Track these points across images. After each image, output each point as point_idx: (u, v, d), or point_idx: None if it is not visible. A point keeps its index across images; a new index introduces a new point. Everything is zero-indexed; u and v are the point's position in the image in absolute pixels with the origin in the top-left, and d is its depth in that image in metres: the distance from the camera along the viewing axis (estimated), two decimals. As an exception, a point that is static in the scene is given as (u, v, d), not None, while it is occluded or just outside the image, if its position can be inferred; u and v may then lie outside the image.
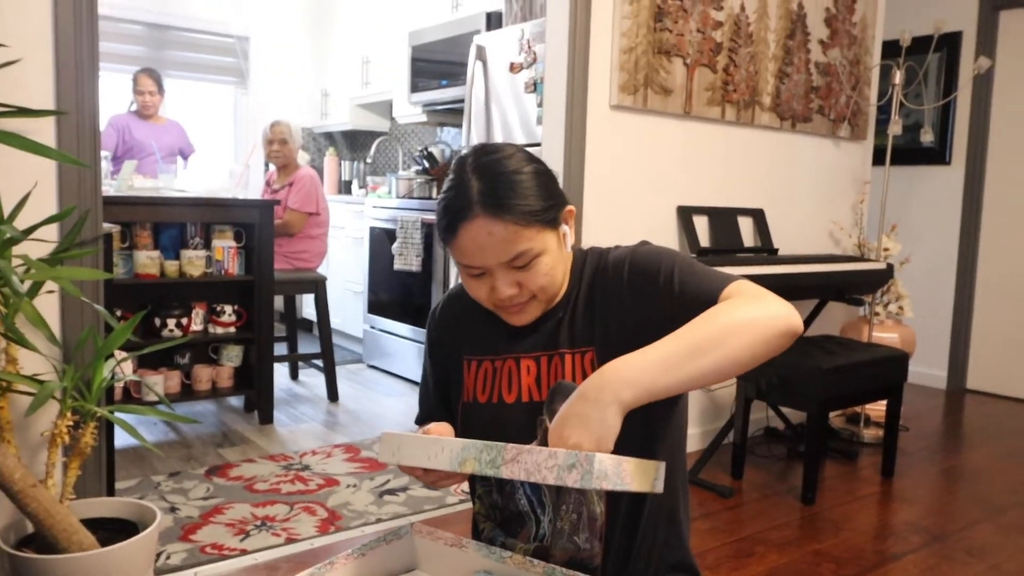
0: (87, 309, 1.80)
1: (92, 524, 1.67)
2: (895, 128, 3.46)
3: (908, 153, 4.47)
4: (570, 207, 1.15)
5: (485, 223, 1.04)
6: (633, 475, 0.85)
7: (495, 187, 1.05)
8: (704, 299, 1.03)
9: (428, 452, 0.94)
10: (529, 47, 3.36)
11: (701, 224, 3.09)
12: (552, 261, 1.10)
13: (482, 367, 1.20)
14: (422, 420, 1.29)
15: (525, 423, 1.12)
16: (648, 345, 0.96)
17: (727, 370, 0.95)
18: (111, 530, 1.71)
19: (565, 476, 0.83)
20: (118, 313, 2.99)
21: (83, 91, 1.79)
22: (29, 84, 1.71)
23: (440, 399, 1.28)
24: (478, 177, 1.06)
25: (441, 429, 1.10)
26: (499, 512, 1.18)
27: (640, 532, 1.14)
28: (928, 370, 4.50)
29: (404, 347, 4.22)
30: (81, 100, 1.79)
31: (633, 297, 1.10)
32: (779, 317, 0.97)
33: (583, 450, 0.88)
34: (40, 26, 1.74)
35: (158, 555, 2.10)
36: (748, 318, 0.96)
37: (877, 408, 3.46)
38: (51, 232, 1.73)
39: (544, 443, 1.08)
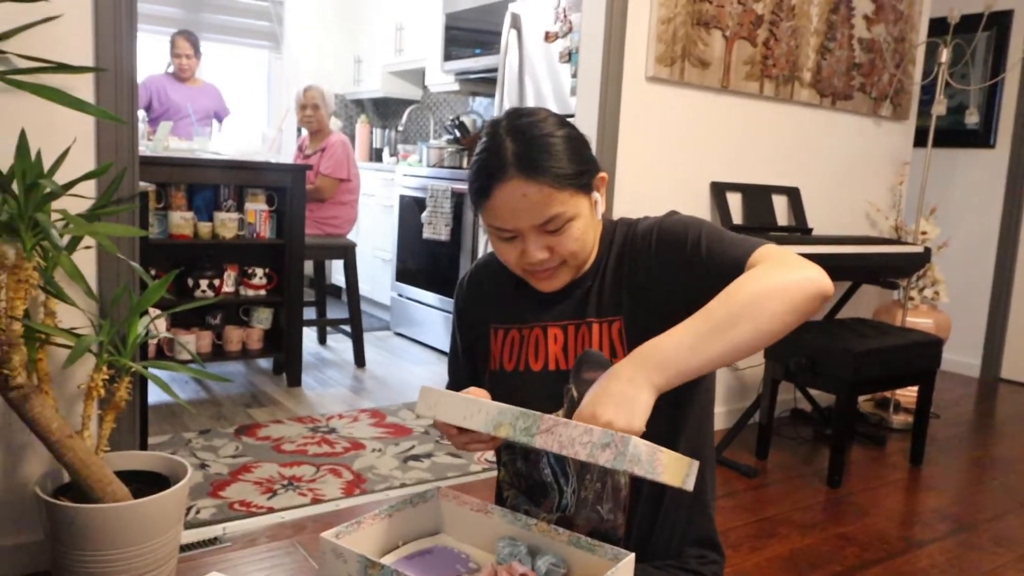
0: (123, 266, 1.82)
1: (126, 476, 1.71)
2: (939, 108, 3.37)
3: (951, 135, 4.35)
4: (602, 174, 1.14)
5: (519, 185, 1.04)
6: (666, 466, 0.85)
7: (530, 149, 1.05)
8: (731, 265, 1.02)
9: (465, 411, 0.94)
10: (565, 16, 3.31)
11: (735, 201, 3.05)
12: (584, 226, 1.09)
13: (509, 335, 1.20)
14: (449, 387, 1.30)
15: (552, 391, 1.13)
16: (679, 323, 0.95)
17: (759, 342, 0.95)
18: (144, 483, 1.75)
19: (598, 454, 0.83)
20: (152, 272, 3.03)
21: (121, 49, 1.80)
22: (68, 40, 1.72)
23: (469, 368, 1.28)
24: (512, 139, 1.05)
25: (479, 393, 1.09)
26: (523, 480, 1.19)
27: (664, 505, 1.13)
28: (962, 358, 4.42)
29: (431, 316, 4.23)
30: (119, 58, 1.80)
31: (661, 266, 1.10)
32: (808, 280, 0.96)
33: (615, 429, 0.87)
34: (81, -18, 1.74)
35: (188, 509, 2.15)
36: (776, 285, 0.95)
37: (908, 394, 3.41)
38: (89, 188, 1.75)
39: (570, 413, 1.08)
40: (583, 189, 1.09)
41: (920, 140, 3.68)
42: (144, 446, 2.06)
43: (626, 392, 0.91)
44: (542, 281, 1.13)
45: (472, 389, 1.08)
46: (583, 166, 1.09)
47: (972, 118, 3.59)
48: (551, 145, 1.05)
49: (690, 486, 0.90)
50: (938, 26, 3.58)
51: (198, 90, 4.63)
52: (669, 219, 1.13)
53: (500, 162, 1.05)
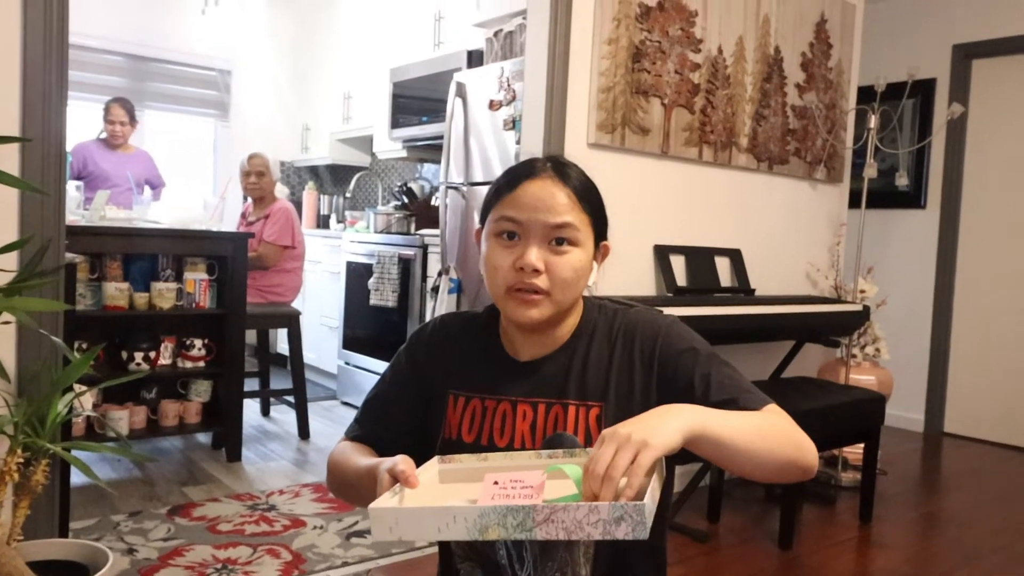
0: (46, 341, 1.74)
1: (42, 567, 1.60)
2: (870, 172, 3.49)
3: (884, 196, 4.52)
4: (608, 243, 1.16)
5: (550, 182, 1.08)
6: (657, 489, 0.86)
7: (566, 166, 1.12)
8: (740, 407, 1.04)
9: (438, 523, 0.81)
10: (508, 85, 3.37)
11: (678, 263, 3.08)
12: (583, 264, 1.09)
13: (470, 405, 1.14)
14: (356, 437, 1.19)
15: None
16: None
17: (765, 467, 0.98)
18: (62, 573, 1.64)
19: (614, 530, 0.77)
20: (84, 346, 2.91)
21: (49, 119, 1.76)
22: (-7, 110, 1.67)
23: (393, 422, 1.18)
24: (549, 160, 1.12)
25: (410, 464, 0.96)
26: (478, 555, 1.13)
27: None
28: (906, 413, 4.49)
29: (379, 384, 4.15)
30: (47, 128, 1.76)
31: (660, 378, 1.09)
32: (814, 455, 1.01)
33: (633, 439, 0.85)
34: (8, 52, 1.71)
35: (112, 599, 2.01)
36: (803, 442, 1.00)
37: (855, 451, 3.43)
38: (11, 262, 1.68)
39: None
40: (595, 231, 1.12)
41: (855, 202, 3.80)
42: (64, 532, 1.94)
43: (659, 417, 0.91)
44: (522, 306, 1.07)
45: (400, 459, 0.96)
46: (602, 210, 1.14)
47: (902, 180, 3.73)
48: (584, 174, 1.13)
49: (663, 475, 0.93)
50: (866, 94, 3.74)
51: (129, 157, 4.51)
52: (674, 329, 1.12)
53: (535, 165, 1.10)
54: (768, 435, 0.97)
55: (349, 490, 1.10)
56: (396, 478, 0.93)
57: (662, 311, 1.17)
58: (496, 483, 0.88)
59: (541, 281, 1.06)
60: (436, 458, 1.04)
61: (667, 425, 0.89)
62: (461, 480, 1.01)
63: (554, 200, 1.06)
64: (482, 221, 1.13)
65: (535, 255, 1.06)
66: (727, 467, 0.97)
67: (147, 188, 4.49)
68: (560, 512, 0.79)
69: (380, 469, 0.96)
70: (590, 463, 0.85)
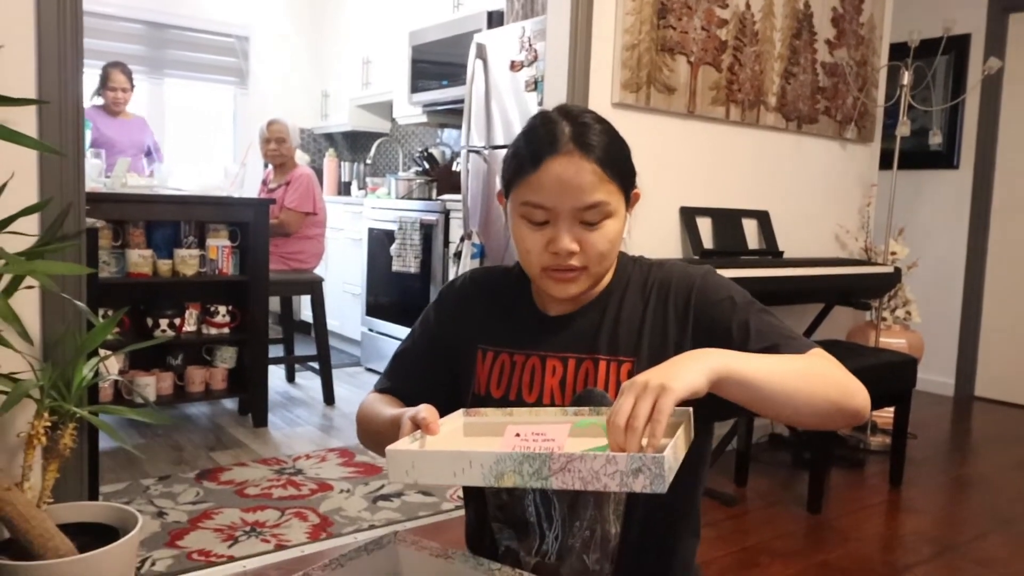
0: (69, 306, 1.74)
1: (72, 529, 1.61)
2: (903, 130, 3.39)
3: (916, 156, 4.40)
4: (638, 190, 1.10)
5: (575, 160, 1.00)
6: (683, 444, 0.83)
7: (587, 131, 1.02)
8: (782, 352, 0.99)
9: (453, 467, 0.81)
10: (530, 45, 3.30)
11: (704, 225, 3.02)
12: (618, 230, 1.04)
13: (498, 360, 1.11)
14: (384, 389, 1.18)
15: None
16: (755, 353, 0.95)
17: (805, 411, 0.93)
18: (92, 535, 1.65)
19: (632, 482, 0.74)
20: (108, 313, 2.93)
21: (66, 82, 1.74)
22: (9, 73, 1.65)
23: (421, 377, 1.16)
24: (568, 122, 1.03)
25: (432, 412, 0.95)
26: (507, 514, 1.11)
27: (654, 556, 1.07)
28: (936, 377, 4.42)
29: (402, 350, 4.15)
30: (64, 91, 1.73)
31: (695, 328, 1.05)
32: (864, 398, 0.96)
33: (651, 385, 0.82)
34: (23, 15, 1.68)
35: (143, 561, 2.04)
36: (849, 384, 0.95)
37: (884, 415, 3.38)
38: (33, 226, 1.67)
39: None
40: (624, 191, 1.06)
41: (886, 162, 3.70)
42: (95, 495, 1.96)
43: (680, 362, 0.87)
44: (558, 284, 1.04)
45: (423, 407, 0.95)
46: (629, 168, 1.07)
47: (935, 139, 3.62)
48: (606, 133, 1.04)
49: (691, 436, 0.89)
50: (899, 50, 3.62)
51: (130, 124, 4.44)
52: (710, 279, 1.08)
53: (556, 135, 1.01)
54: (809, 377, 0.93)
55: (376, 439, 1.08)
56: (418, 425, 0.93)
57: (709, 267, 1.12)
58: (518, 435, 0.87)
59: (577, 260, 1.02)
60: (461, 411, 1.03)
61: (689, 368, 0.85)
62: (485, 434, 1.00)
63: (580, 180, 0.99)
64: (504, 186, 1.08)
65: (568, 239, 1.01)
66: (763, 411, 0.92)
67: (151, 154, 4.45)
68: (577, 461, 0.76)
69: (404, 416, 0.95)
70: (611, 415, 0.82)
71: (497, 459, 0.79)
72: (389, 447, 0.86)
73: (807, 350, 1.00)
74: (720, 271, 1.12)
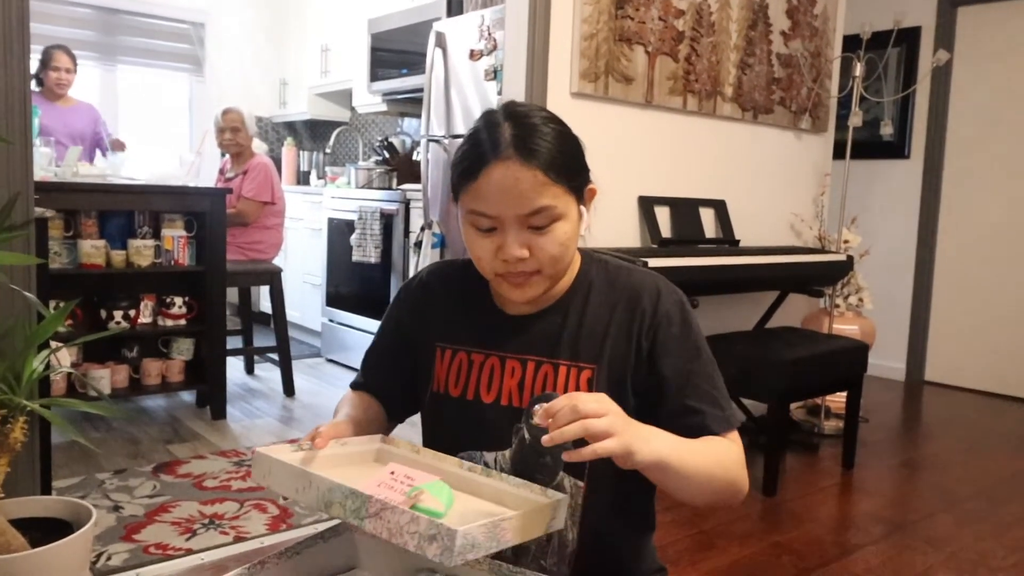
0: (19, 298, 1.70)
1: (25, 524, 1.57)
2: (855, 120, 3.46)
3: (868, 146, 4.50)
4: (593, 186, 1.08)
5: (513, 167, 0.97)
6: (519, 529, 0.82)
7: (530, 135, 0.99)
8: (697, 422, 1.03)
9: (296, 484, 0.88)
10: (489, 34, 3.30)
11: (663, 214, 3.06)
12: (569, 232, 1.02)
13: (456, 358, 1.10)
14: (358, 386, 1.20)
15: (502, 427, 1.05)
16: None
17: (697, 500, 1.01)
18: (44, 530, 1.62)
19: (425, 546, 0.76)
20: (60, 305, 2.87)
21: (12, 68, 1.69)
22: (-48, 58, 1.60)
23: (385, 374, 1.18)
24: (512, 124, 1.00)
25: (336, 430, 1.02)
26: None
27: (611, 556, 1.09)
28: (887, 362, 4.54)
29: (363, 340, 4.13)
30: (10, 77, 1.69)
31: (651, 357, 1.05)
32: (744, 494, 1.05)
33: (581, 415, 0.84)
34: (-35, -3, 1.64)
35: (98, 556, 2.01)
36: (740, 483, 1.03)
37: (837, 400, 3.47)
38: (-23, 216, 1.62)
39: (520, 454, 1.03)
40: (575, 191, 1.02)
41: (839, 152, 3.78)
42: (47, 490, 1.92)
43: (646, 433, 0.90)
44: (513, 288, 1.03)
45: (331, 424, 1.02)
46: (578, 167, 1.04)
47: (887, 129, 3.71)
48: (551, 134, 1.00)
49: (559, 525, 0.88)
50: (852, 42, 3.69)
51: (71, 110, 4.18)
52: (686, 313, 1.07)
53: (496, 142, 0.98)
54: (713, 475, 0.98)
55: None
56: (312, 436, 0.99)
57: (650, 266, 1.14)
58: (392, 473, 0.89)
59: (528, 264, 1.00)
60: (380, 436, 1.08)
61: (651, 445, 0.89)
62: (386, 461, 1.01)
63: (521, 187, 0.97)
64: (452, 191, 1.06)
65: (516, 246, 0.99)
66: (666, 490, 0.97)
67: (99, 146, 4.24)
68: (388, 511, 0.79)
69: (319, 426, 1.01)
70: (551, 404, 0.86)
71: (331, 487, 0.84)
72: (259, 448, 0.94)
73: (724, 432, 1.03)
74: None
